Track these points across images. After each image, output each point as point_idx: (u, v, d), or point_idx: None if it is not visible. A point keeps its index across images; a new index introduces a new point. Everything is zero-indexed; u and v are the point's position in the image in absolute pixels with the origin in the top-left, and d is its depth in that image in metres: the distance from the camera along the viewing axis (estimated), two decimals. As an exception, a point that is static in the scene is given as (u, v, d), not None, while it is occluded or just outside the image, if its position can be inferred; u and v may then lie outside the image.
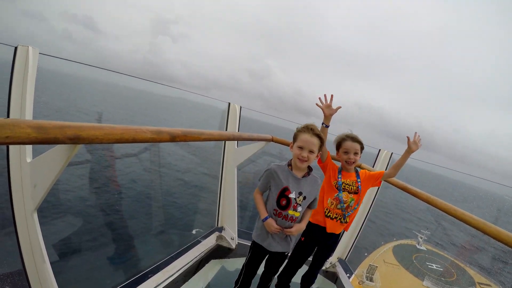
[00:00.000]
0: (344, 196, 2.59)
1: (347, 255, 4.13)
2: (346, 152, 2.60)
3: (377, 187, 3.93)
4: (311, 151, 2.14)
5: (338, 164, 2.72)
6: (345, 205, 2.59)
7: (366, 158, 4.01)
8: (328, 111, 2.51)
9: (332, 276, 3.89)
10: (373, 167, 3.93)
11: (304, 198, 2.22)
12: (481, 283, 27.88)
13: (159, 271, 2.96)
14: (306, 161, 2.15)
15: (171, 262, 3.15)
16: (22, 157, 1.78)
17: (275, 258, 2.49)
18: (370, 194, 3.97)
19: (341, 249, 4.12)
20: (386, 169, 3.88)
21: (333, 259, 4.04)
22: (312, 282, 3.00)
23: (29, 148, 1.78)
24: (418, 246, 33.00)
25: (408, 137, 2.53)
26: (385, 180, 2.86)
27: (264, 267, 2.61)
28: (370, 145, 4.30)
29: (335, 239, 2.78)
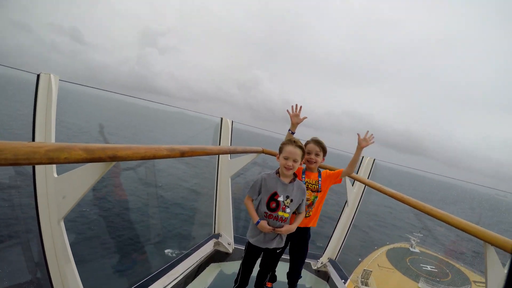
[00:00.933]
0: (307, 194, 2.87)
1: (337, 255, 4.42)
2: (308, 153, 2.92)
3: (362, 190, 4.27)
4: (295, 160, 2.49)
5: (303, 166, 3.05)
6: (308, 202, 2.90)
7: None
8: (295, 119, 3.01)
9: (324, 275, 4.16)
10: (357, 173, 4.24)
11: (291, 200, 2.55)
12: (476, 282, 28.23)
13: (163, 275, 3.21)
14: (291, 169, 2.51)
15: (174, 267, 3.40)
16: (48, 173, 2.04)
17: (270, 255, 2.79)
18: (355, 196, 4.30)
19: (331, 250, 4.41)
20: (369, 175, 4.23)
21: (323, 259, 4.33)
22: (298, 276, 3.27)
23: (54, 166, 2.05)
24: (411, 249, 33.35)
25: (358, 134, 2.93)
26: (350, 177, 3.36)
27: (260, 266, 2.90)
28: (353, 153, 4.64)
29: (303, 233, 3.05)
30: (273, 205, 2.52)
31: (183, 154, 1.77)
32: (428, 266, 30.34)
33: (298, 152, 2.50)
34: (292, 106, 3.04)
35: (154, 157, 1.50)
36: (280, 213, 2.53)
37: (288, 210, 2.54)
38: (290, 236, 2.99)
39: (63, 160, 1.12)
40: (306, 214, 2.94)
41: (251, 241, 2.68)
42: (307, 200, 2.88)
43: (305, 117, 3.01)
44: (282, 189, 2.54)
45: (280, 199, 2.52)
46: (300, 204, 2.64)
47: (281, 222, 2.55)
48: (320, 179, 2.98)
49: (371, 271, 25.35)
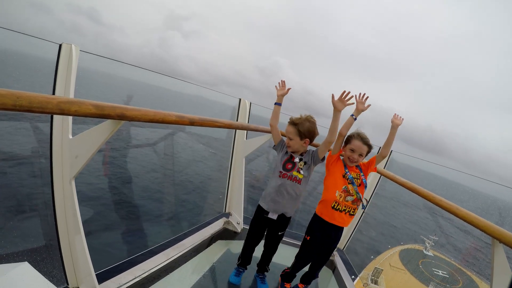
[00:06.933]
0: (350, 188, 2.60)
1: (345, 245, 4.40)
2: (352, 150, 2.63)
3: (377, 180, 4.20)
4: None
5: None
6: (353, 198, 2.60)
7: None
8: (361, 106, 2.60)
9: (331, 264, 4.14)
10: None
11: (305, 163, 2.67)
12: (486, 292, 27.56)
13: (169, 247, 3.28)
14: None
15: (182, 240, 3.47)
16: (64, 134, 2.10)
17: (273, 236, 2.85)
18: (369, 186, 4.22)
19: (340, 239, 4.36)
20: (385, 165, 4.13)
21: (331, 248, 4.29)
22: (313, 277, 3.04)
23: (70, 127, 2.11)
24: (425, 252, 32.75)
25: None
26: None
27: (264, 247, 2.96)
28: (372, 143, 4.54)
29: (340, 233, 2.78)
30: (289, 166, 2.65)
31: (192, 122, 1.79)
32: (440, 271, 29.73)
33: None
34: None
35: (163, 121, 1.53)
36: (294, 173, 2.62)
37: (302, 171, 2.64)
38: (325, 236, 2.78)
39: (73, 112, 1.16)
40: (351, 212, 2.64)
41: (262, 203, 2.76)
42: (351, 195, 2.62)
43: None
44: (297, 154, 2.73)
45: (296, 160, 2.66)
46: (314, 153, 2.72)
47: (295, 182, 2.63)
48: (362, 173, 2.72)
49: (382, 269, 25.11)
